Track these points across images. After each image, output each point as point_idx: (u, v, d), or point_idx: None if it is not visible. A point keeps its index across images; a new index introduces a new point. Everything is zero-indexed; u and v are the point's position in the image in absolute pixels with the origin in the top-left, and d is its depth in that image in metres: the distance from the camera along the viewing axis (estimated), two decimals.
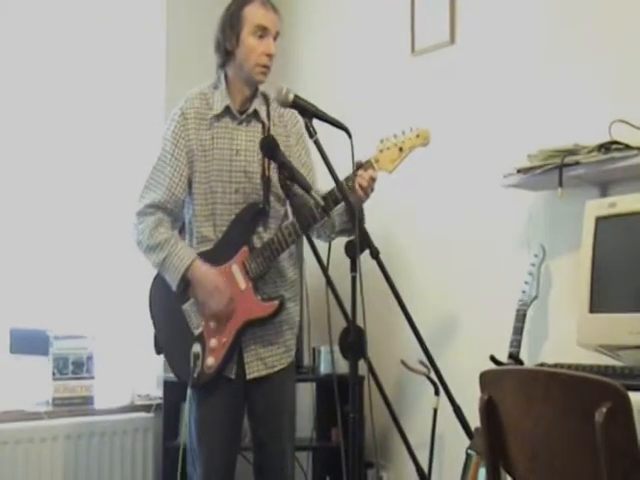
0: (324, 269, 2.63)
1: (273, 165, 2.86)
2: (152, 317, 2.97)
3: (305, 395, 3.97)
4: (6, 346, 3.75)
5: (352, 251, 2.55)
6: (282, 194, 2.87)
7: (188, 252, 2.85)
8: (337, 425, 3.66)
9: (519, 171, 3.02)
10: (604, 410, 1.60)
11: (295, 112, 2.79)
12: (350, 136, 2.53)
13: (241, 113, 2.94)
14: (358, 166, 2.77)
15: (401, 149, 2.82)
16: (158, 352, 2.99)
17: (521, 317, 3.03)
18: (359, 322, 2.48)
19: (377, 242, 2.72)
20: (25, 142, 3.94)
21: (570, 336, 2.73)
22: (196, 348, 2.82)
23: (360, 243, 2.55)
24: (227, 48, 2.91)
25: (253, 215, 2.90)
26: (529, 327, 3.09)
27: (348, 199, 2.63)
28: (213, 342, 2.85)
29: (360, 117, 3.67)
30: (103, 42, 4.17)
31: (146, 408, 3.96)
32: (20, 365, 3.81)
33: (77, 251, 4.05)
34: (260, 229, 2.92)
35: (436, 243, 3.67)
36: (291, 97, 2.64)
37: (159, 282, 2.93)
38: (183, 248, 2.86)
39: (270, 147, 2.71)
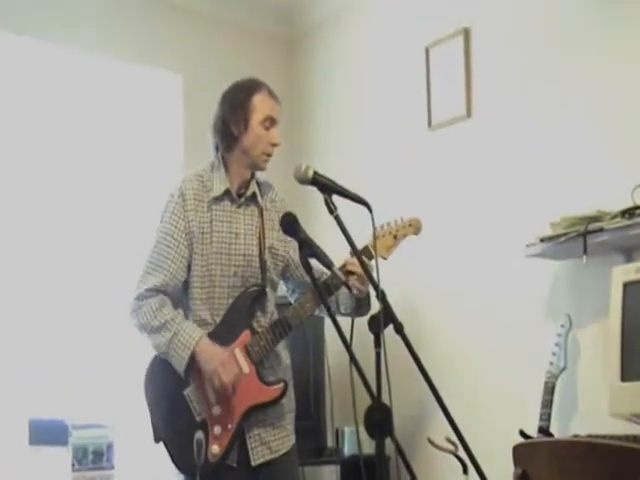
0: (347, 346, 2.56)
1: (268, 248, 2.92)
2: (149, 404, 2.85)
3: (329, 478, 3.86)
4: (24, 437, 3.68)
5: (376, 326, 2.50)
6: (276, 279, 2.94)
7: (196, 329, 2.79)
8: None
9: (542, 240, 3.00)
10: None
11: (284, 199, 2.97)
12: (371, 210, 2.51)
13: (239, 196, 2.95)
14: (350, 253, 2.73)
15: (395, 237, 2.90)
16: (157, 440, 2.85)
17: (550, 389, 2.96)
18: (384, 399, 2.42)
19: (401, 317, 2.67)
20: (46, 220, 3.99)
21: (601, 406, 2.67)
22: (199, 435, 2.69)
23: (383, 318, 2.51)
24: (233, 133, 2.92)
25: (253, 298, 2.88)
26: (558, 399, 3.01)
27: (371, 276, 2.58)
28: (217, 429, 2.76)
29: (378, 190, 3.71)
30: (123, 129, 4.24)
31: None
32: (39, 457, 3.73)
33: (93, 338, 4.02)
34: (259, 313, 2.90)
35: (461, 317, 3.62)
36: (310, 173, 2.62)
37: (156, 368, 2.85)
38: (190, 325, 2.80)
39: (291, 224, 2.68)
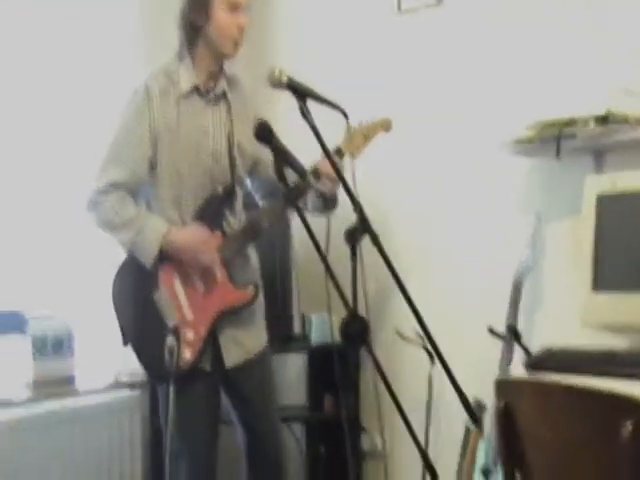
0: (321, 254, 2.53)
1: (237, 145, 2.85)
2: (117, 308, 2.80)
3: (296, 365, 3.93)
4: None
5: (352, 237, 2.49)
6: (243, 177, 2.91)
7: (161, 222, 2.73)
8: (330, 394, 3.78)
9: (517, 141, 3.00)
10: (630, 427, 1.57)
11: (251, 97, 2.93)
12: (347, 117, 2.48)
13: (208, 92, 2.84)
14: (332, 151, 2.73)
15: (365, 136, 2.89)
16: (125, 343, 2.82)
17: (517, 288, 3.01)
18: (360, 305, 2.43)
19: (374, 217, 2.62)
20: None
21: (567, 309, 2.73)
22: (170, 341, 2.58)
23: (360, 228, 2.49)
24: (195, 24, 2.79)
25: (223, 199, 2.83)
26: (525, 298, 3.06)
27: (347, 185, 2.54)
28: (189, 334, 2.74)
29: (343, 80, 3.65)
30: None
31: (131, 386, 3.77)
32: None
33: (53, 229, 3.87)
34: (227, 213, 2.85)
35: (434, 215, 3.61)
36: (285, 78, 2.52)
37: (125, 271, 2.80)
38: (156, 220, 2.74)
39: (265, 132, 2.60)
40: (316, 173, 2.77)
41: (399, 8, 3.70)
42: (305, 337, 3.86)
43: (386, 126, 2.96)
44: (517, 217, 3.22)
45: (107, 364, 3.78)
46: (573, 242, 2.83)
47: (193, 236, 2.74)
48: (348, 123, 2.53)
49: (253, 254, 2.97)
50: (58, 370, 3.54)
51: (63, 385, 3.53)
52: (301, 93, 2.53)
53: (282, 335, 3.77)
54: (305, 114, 2.50)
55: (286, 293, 3.83)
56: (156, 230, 2.71)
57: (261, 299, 2.97)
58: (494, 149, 3.09)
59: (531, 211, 3.09)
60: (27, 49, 3.65)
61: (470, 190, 3.45)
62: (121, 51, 3.92)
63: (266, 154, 2.77)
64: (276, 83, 2.53)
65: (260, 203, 3.07)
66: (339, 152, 2.80)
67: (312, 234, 2.56)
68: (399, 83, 3.70)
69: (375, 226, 2.38)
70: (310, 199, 2.91)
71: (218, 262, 2.77)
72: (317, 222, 2.59)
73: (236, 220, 2.88)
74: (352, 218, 2.40)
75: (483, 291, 3.34)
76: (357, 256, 2.49)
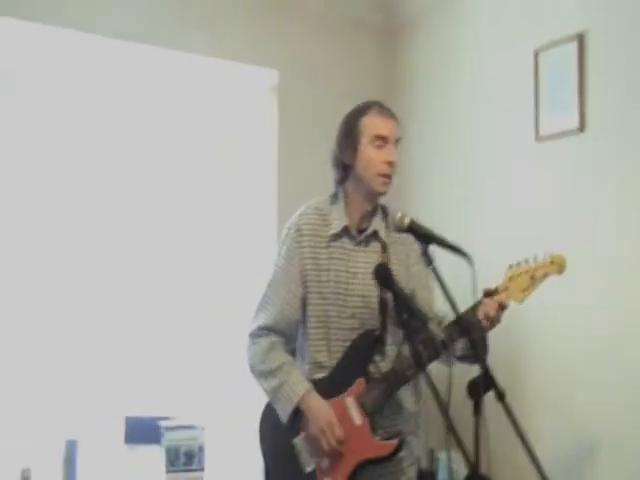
0: (444, 410, 2.39)
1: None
2: (262, 452, 2.80)
3: None
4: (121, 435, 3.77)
5: (476, 392, 2.34)
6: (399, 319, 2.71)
7: (302, 382, 2.68)
8: None
9: None
10: None
11: None
12: (471, 264, 2.37)
13: (360, 232, 2.77)
14: (486, 293, 2.59)
15: (533, 277, 2.59)
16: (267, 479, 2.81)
17: None
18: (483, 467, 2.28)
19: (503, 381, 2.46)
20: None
21: None
22: None
23: (484, 383, 2.34)
24: (345, 162, 2.76)
25: (370, 343, 2.71)
26: None
27: (470, 335, 2.41)
28: None
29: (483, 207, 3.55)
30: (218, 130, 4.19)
31: None
32: (134, 455, 3.77)
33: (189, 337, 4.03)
34: (377, 357, 2.72)
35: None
36: (407, 222, 2.48)
37: (269, 414, 2.77)
38: (297, 377, 2.69)
39: (384, 276, 2.52)
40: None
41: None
42: (432, 474, 3.68)
43: (559, 265, 2.60)
44: None
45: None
46: None
47: (323, 414, 2.64)
48: (473, 269, 2.38)
49: (410, 400, 2.80)
50: None
51: None
52: (424, 237, 2.46)
53: None
54: (428, 257, 2.43)
55: None
56: (294, 390, 2.66)
57: (413, 452, 2.81)
58: None
59: None
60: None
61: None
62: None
63: (424, 294, 2.73)
64: (399, 226, 2.49)
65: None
66: (493, 293, 2.60)
67: (432, 384, 2.42)
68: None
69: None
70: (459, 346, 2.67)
71: (336, 446, 2.62)
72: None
73: (386, 364, 2.74)
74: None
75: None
76: (480, 412, 2.35)
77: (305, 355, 2.78)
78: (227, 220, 4.20)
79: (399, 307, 2.51)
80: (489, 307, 2.55)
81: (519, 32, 3.74)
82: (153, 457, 3.72)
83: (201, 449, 3.71)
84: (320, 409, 2.65)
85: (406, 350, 2.68)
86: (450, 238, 2.48)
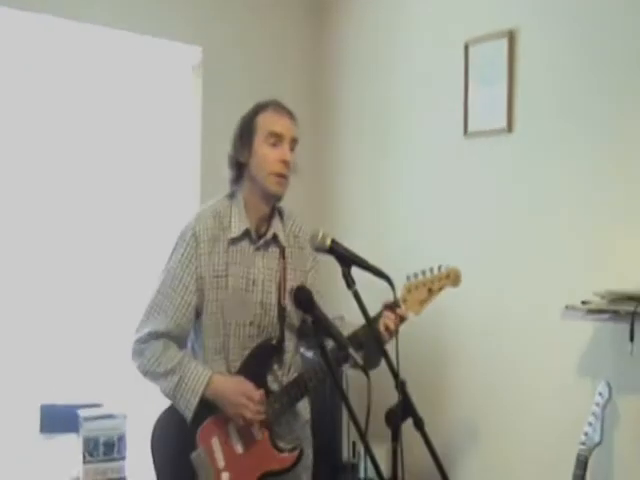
0: (363, 437, 2.33)
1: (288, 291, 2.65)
2: (155, 467, 2.67)
3: None
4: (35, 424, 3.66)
5: (393, 420, 2.28)
6: (296, 323, 2.69)
7: (204, 370, 2.58)
8: None
9: (588, 311, 2.75)
10: None
11: (307, 232, 2.66)
12: (392, 286, 2.29)
13: (259, 236, 2.67)
14: (386, 306, 2.59)
15: (430, 290, 2.65)
16: None
17: (582, 464, 2.74)
18: None
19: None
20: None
21: None
22: None
23: (402, 411, 2.28)
24: (240, 160, 2.64)
25: (269, 352, 2.65)
26: (591, 475, 2.79)
27: (390, 360, 2.33)
28: None
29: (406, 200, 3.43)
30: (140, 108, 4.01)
31: None
32: (50, 444, 3.65)
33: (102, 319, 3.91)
34: (275, 366, 2.67)
35: (492, 375, 3.39)
36: (328, 242, 2.36)
37: (164, 423, 2.66)
38: (197, 367, 2.59)
39: (306, 300, 2.41)
40: (359, 344, 2.55)
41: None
42: (354, 466, 3.66)
43: (454, 278, 2.68)
44: (582, 382, 2.96)
45: None
46: None
47: (237, 388, 2.57)
48: (394, 292, 2.34)
49: (304, 407, 2.79)
50: (109, 473, 3.47)
51: None
52: (345, 259, 2.36)
53: (330, 464, 3.60)
54: (348, 281, 2.34)
55: (335, 420, 3.66)
56: (198, 378, 2.56)
57: (308, 459, 2.79)
58: (560, 308, 2.83)
59: (599, 376, 2.82)
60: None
61: (533, 353, 3.21)
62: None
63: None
64: (319, 247, 2.37)
65: (307, 353, 2.88)
66: (394, 306, 2.56)
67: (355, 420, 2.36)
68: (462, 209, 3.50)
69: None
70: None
71: (261, 417, 2.58)
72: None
73: (284, 373, 2.70)
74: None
75: (542, 464, 3.09)
76: (397, 440, 2.29)
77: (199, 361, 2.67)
78: (147, 205, 4.03)
79: (319, 331, 2.41)
80: (389, 320, 2.55)
81: (451, 21, 3.64)
82: (70, 446, 3.61)
83: (121, 438, 3.60)
84: (229, 385, 2.57)
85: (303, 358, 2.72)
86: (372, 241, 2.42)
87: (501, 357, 3.32)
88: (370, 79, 4.10)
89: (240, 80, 4.15)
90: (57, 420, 3.66)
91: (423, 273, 2.66)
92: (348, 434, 3.58)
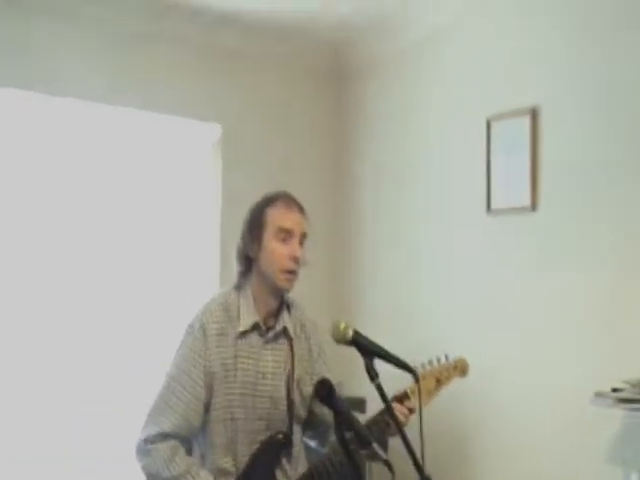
0: None
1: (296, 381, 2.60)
2: None
3: None
4: None
5: None
6: (303, 414, 2.62)
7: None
8: None
9: (614, 390, 2.65)
10: None
11: (315, 323, 2.68)
12: (417, 379, 2.24)
13: (267, 329, 2.61)
14: (396, 398, 2.53)
15: (438, 380, 2.63)
16: None
17: None
18: None
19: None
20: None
21: None
22: None
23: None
24: (249, 255, 2.59)
25: (278, 447, 2.56)
26: None
27: (416, 458, 2.23)
28: None
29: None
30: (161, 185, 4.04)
31: None
32: None
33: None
34: (284, 461, 2.58)
35: (521, 460, 3.28)
36: (350, 334, 2.28)
37: None
38: (207, 477, 2.49)
39: (328, 394, 2.31)
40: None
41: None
42: None
43: (462, 368, 2.68)
44: (613, 472, 2.85)
45: None
46: None
47: None
48: (419, 386, 2.35)
49: None
50: None
51: None
52: (368, 351, 2.29)
53: None
54: (371, 374, 2.26)
55: None
56: None
57: None
58: (588, 396, 2.74)
59: (631, 466, 2.72)
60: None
61: (563, 442, 3.10)
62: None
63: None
64: (340, 339, 2.29)
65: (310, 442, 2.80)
66: (404, 397, 2.54)
67: None
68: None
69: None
70: None
71: None
72: None
73: (292, 467, 2.60)
74: None
75: None
76: None
77: (207, 462, 2.58)
78: (168, 283, 4.01)
79: (340, 425, 2.33)
80: (399, 412, 2.48)
81: (473, 98, 3.61)
82: None
83: None
84: None
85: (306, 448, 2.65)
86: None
87: (529, 442, 3.22)
88: (391, 157, 4.09)
89: (260, 156, 4.15)
90: None
91: (430, 363, 2.64)
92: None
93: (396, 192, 4.02)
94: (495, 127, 3.44)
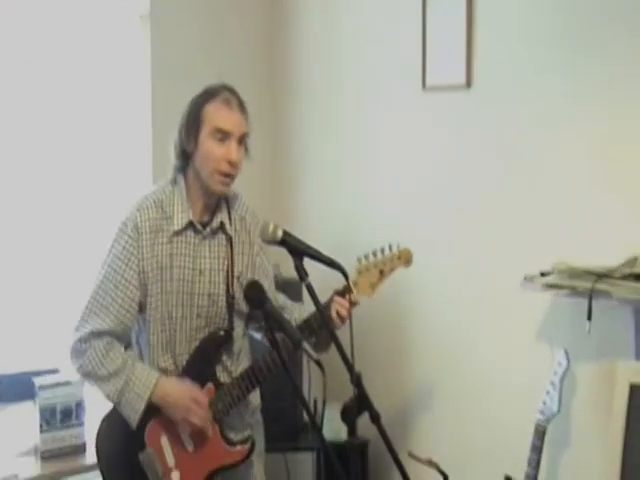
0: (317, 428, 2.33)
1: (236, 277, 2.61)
2: (101, 467, 2.65)
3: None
4: None
5: (349, 417, 2.26)
6: (244, 309, 2.62)
7: (150, 372, 2.53)
8: None
9: (543, 275, 2.71)
10: None
11: (256, 215, 2.68)
12: (347, 277, 2.26)
13: (204, 225, 2.57)
14: (336, 292, 2.57)
15: (382, 271, 2.64)
16: None
17: (540, 434, 2.73)
18: None
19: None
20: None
21: (593, 460, 2.50)
22: None
23: (358, 405, 2.25)
24: (185, 150, 2.52)
25: (218, 344, 2.59)
26: (549, 445, 2.80)
27: (345, 355, 2.28)
28: None
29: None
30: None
31: None
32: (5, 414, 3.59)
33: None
34: (224, 357, 2.62)
35: (451, 344, 3.37)
36: (279, 234, 2.28)
37: (110, 423, 2.62)
38: (143, 369, 2.53)
39: (258, 297, 2.31)
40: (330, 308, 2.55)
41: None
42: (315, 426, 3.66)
43: (406, 258, 2.68)
44: (541, 351, 2.94)
45: None
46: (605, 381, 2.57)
47: (184, 392, 2.53)
48: (348, 282, 2.35)
49: (254, 396, 2.74)
50: (67, 440, 3.40)
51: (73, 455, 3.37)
52: (297, 251, 2.29)
53: (291, 425, 3.61)
54: (301, 274, 2.27)
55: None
56: (144, 382, 2.50)
57: (260, 443, 2.77)
58: (518, 280, 2.79)
59: (557, 346, 2.79)
60: None
61: (492, 322, 3.19)
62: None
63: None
64: (270, 239, 2.29)
65: (257, 334, 2.84)
66: (347, 291, 2.55)
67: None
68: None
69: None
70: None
71: (209, 421, 2.55)
72: None
73: (234, 363, 2.65)
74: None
75: (505, 434, 3.09)
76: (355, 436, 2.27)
77: (146, 362, 2.61)
78: (95, 166, 3.85)
79: (269, 325, 2.34)
80: (341, 307, 2.53)
81: None
82: (27, 415, 3.56)
83: (79, 404, 3.56)
84: (176, 389, 2.53)
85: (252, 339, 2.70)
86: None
87: (460, 325, 3.31)
88: (321, 33, 3.95)
89: (190, 29, 3.95)
90: (12, 389, 3.57)
91: (374, 254, 2.63)
92: (309, 393, 3.65)
93: (328, 70, 3.90)
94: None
